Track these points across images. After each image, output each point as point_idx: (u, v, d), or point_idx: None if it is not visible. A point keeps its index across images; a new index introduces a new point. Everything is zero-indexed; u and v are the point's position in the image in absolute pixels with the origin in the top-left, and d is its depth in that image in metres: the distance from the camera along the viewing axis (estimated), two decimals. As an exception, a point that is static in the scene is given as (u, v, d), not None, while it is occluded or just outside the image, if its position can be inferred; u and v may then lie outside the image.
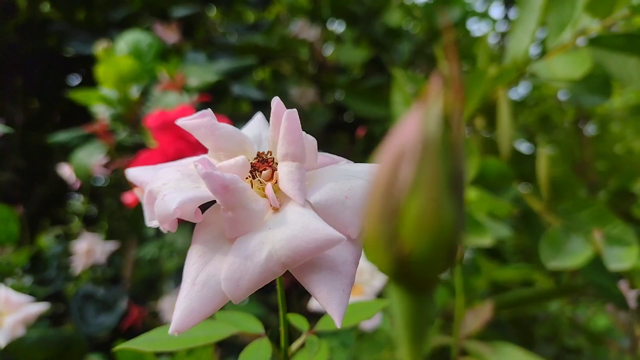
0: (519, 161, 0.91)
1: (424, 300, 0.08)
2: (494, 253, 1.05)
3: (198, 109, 0.70)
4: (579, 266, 0.64)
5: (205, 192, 0.18)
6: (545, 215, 0.78)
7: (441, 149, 0.07)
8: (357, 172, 0.19)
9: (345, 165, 0.21)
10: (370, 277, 0.55)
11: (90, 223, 1.06)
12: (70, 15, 1.30)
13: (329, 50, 1.55)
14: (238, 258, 0.17)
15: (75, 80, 1.40)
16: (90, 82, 1.32)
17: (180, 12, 1.04)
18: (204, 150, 0.67)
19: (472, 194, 0.62)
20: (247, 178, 0.20)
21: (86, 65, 1.28)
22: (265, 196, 0.19)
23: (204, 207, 0.20)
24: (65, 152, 0.82)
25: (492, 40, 1.65)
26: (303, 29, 1.16)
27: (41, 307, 0.63)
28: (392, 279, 0.08)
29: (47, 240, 1.07)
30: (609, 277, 0.72)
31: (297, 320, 0.27)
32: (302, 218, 0.17)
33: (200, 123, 0.20)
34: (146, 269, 1.05)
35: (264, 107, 1.12)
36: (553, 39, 0.81)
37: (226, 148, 0.20)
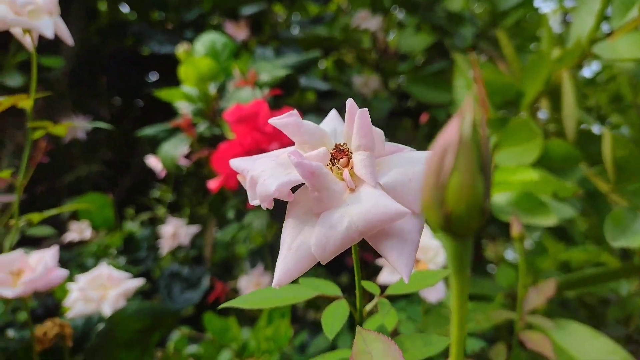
0: (589, 142, 0.90)
1: (464, 244, 0.12)
2: (564, 234, 1.05)
3: (270, 103, 0.75)
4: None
5: (296, 177, 0.23)
6: (612, 196, 0.78)
7: (472, 145, 0.11)
8: (419, 159, 0.23)
9: (409, 153, 0.25)
10: (435, 255, 0.59)
11: (174, 209, 1.16)
12: (146, 17, 1.40)
13: (391, 36, 1.57)
14: (324, 228, 0.22)
15: (152, 76, 1.51)
16: (166, 78, 1.42)
17: (248, 10, 1.10)
18: (278, 140, 0.72)
19: (534, 175, 0.64)
20: (327, 165, 0.24)
21: (162, 63, 1.37)
22: (343, 179, 0.24)
23: (294, 189, 0.24)
24: (151, 145, 0.91)
25: (560, 18, 1.60)
26: (364, 19, 1.19)
27: (138, 282, 0.71)
28: (442, 231, 0.12)
29: (134, 225, 1.17)
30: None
31: (370, 286, 0.32)
32: (374, 197, 0.22)
33: (288, 122, 0.25)
34: (222, 252, 1.14)
35: (329, 97, 1.15)
36: (618, 19, 0.79)
37: (310, 141, 0.25)
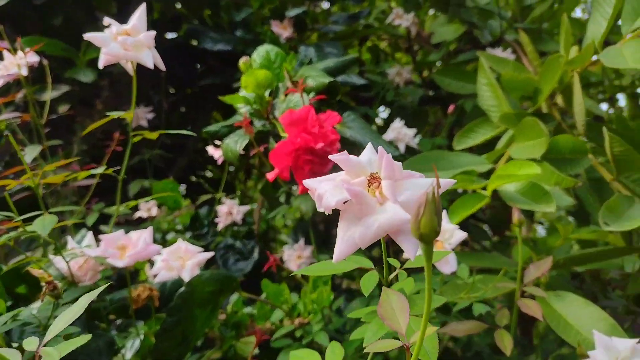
0: (599, 135, 0.99)
1: (429, 247, 0.26)
2: (582, 216, 1.17)
3: (315, 107, 0.89)
4: (632, 228, 0.75)
5: (346, 195, 0.37)
6: (614, 184, 0.89)
7: (432, 203, 0.25)
8: (422, 185, 0.37)
9: (417, 180, 0.38)
10: (450, 237, 0.72)
11: (228, 190, 1.32)
12: (198, 14, 1.54)
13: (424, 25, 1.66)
14: (363, 227, 0.36)
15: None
16: (212, 70, 1.56)
17: (293, 12, 1.22)
18: (322, 140, 0.86)
19: (537, 169, 0.75)
20: (365, 187, 0.38)
21: (213, 59, 1.52)
22: (375, 197, 0.37)
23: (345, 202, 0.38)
24: (212, 138, 1.06)
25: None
26: (399, 17, 1.30)
27: (208, 255, 0.87)
28: (419, 240, 0.26)
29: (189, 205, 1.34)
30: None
31: (393, 261, 0.46)
32: (394, 209, 0.36)
33: (341, 159, 0.39)
34: (263, 225, 1.31)
35: (365, 87, 1.27)
36: (627, 25, 0.88)
37: (355, 171, 0.39)
